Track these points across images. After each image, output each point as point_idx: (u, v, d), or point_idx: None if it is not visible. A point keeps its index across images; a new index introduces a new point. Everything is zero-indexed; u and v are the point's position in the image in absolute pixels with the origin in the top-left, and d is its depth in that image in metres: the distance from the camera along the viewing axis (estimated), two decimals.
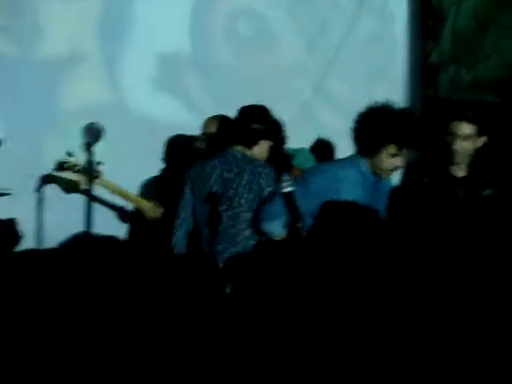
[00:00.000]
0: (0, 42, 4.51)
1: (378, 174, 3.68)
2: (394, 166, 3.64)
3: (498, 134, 5.15)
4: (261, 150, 3.92)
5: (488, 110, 5.28)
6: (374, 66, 5.46)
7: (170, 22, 4.76)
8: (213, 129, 4.19)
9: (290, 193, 2.94)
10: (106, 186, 3.96)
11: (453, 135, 3.80)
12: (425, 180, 3.84)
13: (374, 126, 3.64)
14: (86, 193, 3.54)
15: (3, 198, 4.19)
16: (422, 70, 5.59)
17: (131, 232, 4.44)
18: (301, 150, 4.63)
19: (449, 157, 3.81)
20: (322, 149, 5.03)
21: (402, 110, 3.70)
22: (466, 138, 3.78)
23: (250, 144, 3.89)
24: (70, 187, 3.96)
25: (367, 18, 5.43)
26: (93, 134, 2.80)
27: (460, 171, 3.88)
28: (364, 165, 3.67)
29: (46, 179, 4.11)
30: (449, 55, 5.53)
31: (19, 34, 4.53)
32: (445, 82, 5.57)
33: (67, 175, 3.95)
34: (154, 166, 4.75)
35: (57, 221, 4.16)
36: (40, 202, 3.96)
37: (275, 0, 5.17)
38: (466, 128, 3.79)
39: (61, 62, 4.55)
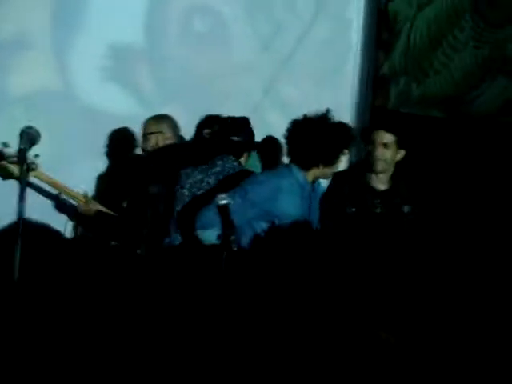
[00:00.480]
0: None
1: (313, 181, 3.74)
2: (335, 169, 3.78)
3: (442, 149, 5.30)
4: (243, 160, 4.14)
5: (433, 125, 5.43)
6: (325, 71, 5.50)
7: (125, 13, 4.72)
8: (152, 128, 4.26)
9: (225, 206, 2.97)
10: (41, 178, 3.94)
11: (373, 143, 3.90)
12: (345, 191, 3.92)
13: (332, 137, 3.68)
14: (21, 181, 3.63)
15: None
16: (373, 80, 5.65)
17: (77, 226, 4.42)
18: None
19: (370, 165, 3.89)
20: (269, 148, 5.07)
21: (338, 120, 3.77)
22: (386, 146, 3.87)
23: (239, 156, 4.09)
24: (6, 174, 3.91)
25: (323, 22, 5.46)
26: (29, 138, 2.75)
27: (380, 184, 3.95)
28: (300, 174, 3.72)
29: None
30: (400, 68, 5.62)
31: None
32: (395, 93, 5.65)
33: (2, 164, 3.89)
34: (98, 156, 4.72)
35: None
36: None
37: None
38: (385, 136, 3.89)
39: (9, 47, 4.48)
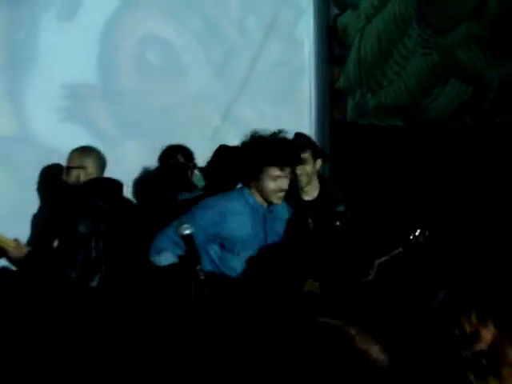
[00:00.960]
0: None
1: (269, 202, 3.75)
2: (278, 189, 3.72)
3: (404, 158, 5.37)
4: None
5: (394, 134, 5.50)
6: (281, 91, 5.57)
7: (77, 51, 4.72)
8: (76, 162, 4.12)
9: (189, 235, 2.99)
10: None
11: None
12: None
13: (248, 153, 3.71)
14: None
15: None
16: (330, 94, 5.73)
17: None
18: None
19: (295, 181, 4.08)
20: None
21: (274, 134, 3.76)
22: (303, 161, 4.05)
23: None
24: None
25: (274, 44, 5.53)
26: None
27: (307, 195, 4.21)
28: (250, 196, 3.74)
29: None
30: (354, 80, 5.70)
31: None
32: (351, 106, 5.72)
33: None
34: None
35: None
36: None
37: (182, 27, 5.20)
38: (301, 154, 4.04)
39: None
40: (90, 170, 4.10)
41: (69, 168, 4.15)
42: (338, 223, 4.11)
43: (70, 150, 4.33)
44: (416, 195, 5.19)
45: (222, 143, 5.32)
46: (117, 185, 4.16)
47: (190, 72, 5.22)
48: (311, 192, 4.22)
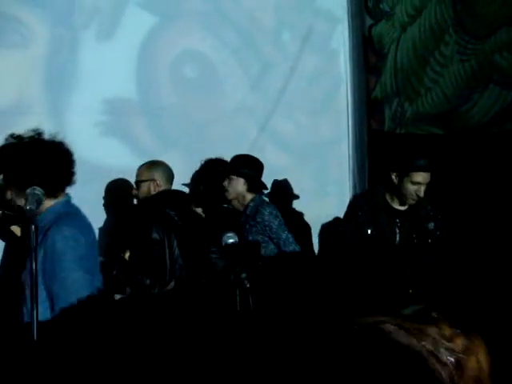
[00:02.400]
0: None
1: None
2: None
3: (444, 165, 5.32)
4: None
5: (433, 142, 5.46)
6: (318, 102, 5.57)
7: (116, 68, 4.80)
8: (145, 176, 4.28)
9: (233, 244, 2.99)
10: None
11: (411, 182, 4.08)
12: (359, 213, 4.04)
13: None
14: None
15: None
16: (367, 104, 5.71)
17: None
18: None
19: (398, 195, 4.08)
20: None
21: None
22: (424, 185, 4.07)
23: None
24: None
25: (310, 55, 5.54)
26: (35, 198, 2.77)
27: (398, 204, 4.16)
28: None
29: None
30: (391, 90, 5.68)
31: None
32: (389, 115, 5.70)
33: None
34: (104, 211, 4.77)
35: None
36: None
37: (219, 42, 5.25)
38: (426, 177, 4.08)
39: (7, 112, 4.56)
40: (159, 182, 4.27)
41: (138, 182, 4.31)
42: (429, 241, 4.08)
43: (110, 164, 4.43)
44: (457, 204, 5.13)
45: (260, 155, 5.36)
46: (184, 196, 4.34)
47: (226, 86, 5.26)
48: (403, 203, 4.17)
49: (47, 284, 2.88)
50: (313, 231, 5.40)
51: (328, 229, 5.36)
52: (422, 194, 4.06)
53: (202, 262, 4.17)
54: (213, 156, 4.86)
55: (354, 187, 5.67)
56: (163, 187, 4.29)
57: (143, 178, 4.29)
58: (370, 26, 5.64)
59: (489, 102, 5.24)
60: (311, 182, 5.54)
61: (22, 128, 4.55)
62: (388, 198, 4.17)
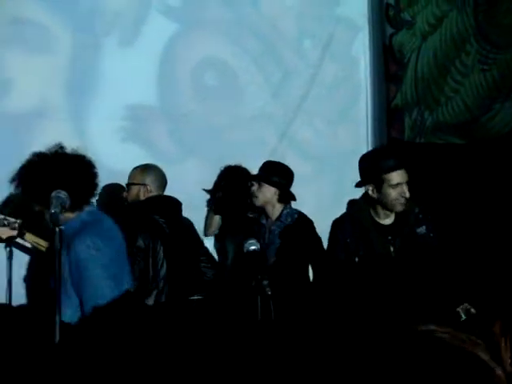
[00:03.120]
0: None
1: None
2: None
3: (464, 175, 5.30)
4: None
5: (453, 152, 5.44)
6: (338, 110, 5.57)
7: (137, 74, 4.83)
8: (136, 179, 4.18)
9: (255, 251, 2.99)
10: (29, 239, 3.93)
11: (391, 183, 3.74)
12: (348, 240, 3.83)
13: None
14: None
15: None
16: (386, 113, 5.71)
17: None
18: None
19: (381, 205, 3.75)
20: None
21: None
22: (407, 183, 3.76)
23: None
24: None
25: (330, 63, 5.55)
26: (60, 202, 2.81)
27: (387, 218, 3.82)
28: None
29: None
30: (411, 99, 5.67)
31: None
32: (409, 124, 5.69)
33: None
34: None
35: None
36: (9, 258, 3.96)
37: (240, 49, 5.27)
38: (405, 175, 3.78)
39: (29, 116, 4.60)
40: (150, 187, 4.15)
41: (129, 185, 4.22)
42: (423, 245, 3.72)
43: (130, 170, 4.42)
44: (478, 214, 5.10)
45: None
46: (175, 203, 4.21)
47: (247, 93, 5.27)
48: (390, 215, 3.81)
49: (76, 291, 2.97)
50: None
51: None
52: (407, 194, 3.67)
53: (190, 270, 4.11)
54: (232, 163, 4.86)
55: None
56: (154, 193, 4.15)
57: (134, 181, 4.17)
58: (391, 35, 5.65)
59: (510, 112, 5.22)
60: (329, 190, 5.53)
61: (44, 132, 4.65)
62: (373, 214, 3.80)
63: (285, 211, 4.25)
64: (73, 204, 2.97)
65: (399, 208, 3.73)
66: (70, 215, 3.04)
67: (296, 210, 4.34)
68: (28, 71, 4.63)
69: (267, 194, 4.25)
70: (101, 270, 2.99)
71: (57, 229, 2.62)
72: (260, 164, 4.94)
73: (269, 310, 2.89)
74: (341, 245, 3.86)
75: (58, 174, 3.04)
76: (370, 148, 5.65)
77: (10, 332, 2.79)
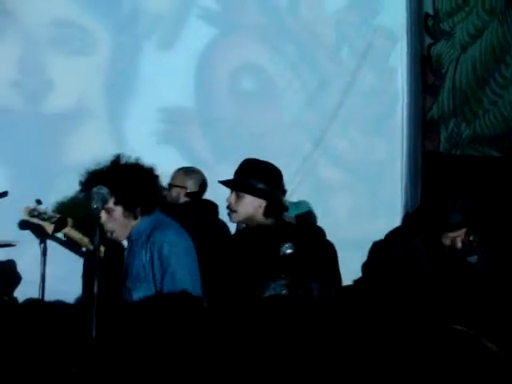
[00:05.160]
0: (11, 98, 4.64)
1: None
2: None
3: (500, 188, 5.23)
4: None
5: (489, 165, 5.38)
6: (373, 120, 5.54)
7: (175, 77, 4.87)
8: (178, 181, 4.25)
9: (291, 255, 2.98)
10: (69, 234, 3.99)
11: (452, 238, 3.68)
12: (410, 245, 3.78)
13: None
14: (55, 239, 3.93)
15: (9, 248, 4.25)
16: (422, 124, 5.67)
17: None
18: (301, 202, 4.66)
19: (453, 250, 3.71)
20: None
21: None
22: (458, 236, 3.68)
23: None
24: (40, 233, 4.02)
25: (368, 73, 5.53)
26: (101, 197, 2.87)
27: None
28: None
29: (22, 225, 4.16)
30: (448, 110, 5.62)
31: (30, 89, 4.66)
32: (445, 136, 5.64)
33: (36, 221, 3.98)
34: None
35: (59, 272, 4.22)
36: (43, 254, 4.00)
37: (277, 55, 5.28)
38: (460, 232, 3.68)
39: (68, 116, 4.66)
40: (190, 190, 4.25)
41: (170, 185, 4.29)
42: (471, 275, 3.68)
43: (165, 172, 4.45)
44: None
45: (313, 172, 5.35)
46: (212, 206, 4.24)
47: (283, 99, 5.28)
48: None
49: (157, 285, 3.09)
50: (361, 249, 5.33)
51: (376, 248, 5.29)
52: (458, 245, 3.62)
53: (215, 272, 4.10)
54: None
55: (406, 208, 5.61)
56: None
57: (176, 183, 4.27)
58: (429, 46, 5.61)
59: None
60: (362, 200, 5.50)
61: (82, 132, 4.71)
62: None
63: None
64: (143, 210, 3.12)
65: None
66: (140, 220, 3.16)
67: (290, 217, 3.68)
68: (68, 72, 4.70)
69: (249, 207, 3.30)
70: (181, 265, 3.10)
71: (97, 226, 2.67)
72: (292, 171, 4.95)
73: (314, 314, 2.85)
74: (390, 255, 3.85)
75: (138, 182, 3.17)
76: (404, 159, 5.61)
77: (42, 327, 2.82)
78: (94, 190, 2.89)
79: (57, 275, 4.10)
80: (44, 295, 3.93)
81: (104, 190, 2.90)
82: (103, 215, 3.04)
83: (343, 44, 5.45)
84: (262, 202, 3.28)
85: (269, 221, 3.29)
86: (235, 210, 3.31)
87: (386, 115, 5.63)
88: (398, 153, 5.64)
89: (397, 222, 5.53)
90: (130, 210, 3.11)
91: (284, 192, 4.61)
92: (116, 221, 3.09)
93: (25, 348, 2.68)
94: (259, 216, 3.28)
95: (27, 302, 4.15)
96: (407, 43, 5.62)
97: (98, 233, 2.70)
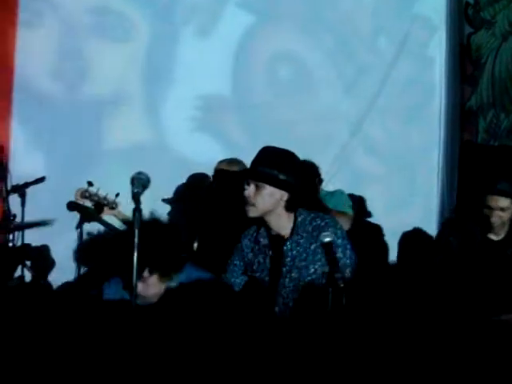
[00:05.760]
0: (49, 84, 4.71)
1: None
2: None
3: None
4: None
5: None
6: (410, 110, 5.49)
7: (212, 64, 4.90)
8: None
9: (329, 243, 2.92)
10: (119, 216, 4.01)
11: (490, 209, 3.93)
12: (451, 239, 3.94)
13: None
14: (102, 222, 3.91)
15: (45, 233, 4.32)
16: (460, 114, 5.60)
17: None
18: (337, 191, 4.66)
19: (487, 227, 3.95)
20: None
21: None
22: (504, 210, 3.92)
23: None
24: (88, 216, 4.04)
25: (405, 62, 5.47)
26: (141, 182, 2.87)
27: (494, 236, 4.02)
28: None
29: (70, 206, 4.19)
30: (487, 100, 5.55)
31: (68, 76, 4.72)
32: (483, 127, 5.57)
33: (87, 203, 4.01)
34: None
35: None
36: (80, 238, 4.05)
37: (315, 44, 5.26)
38: (502, 202, 3.93)
39: (106, 103, 4.72)
40: None
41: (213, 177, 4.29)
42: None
43: (200, 158, 4.50)
44: None
45: (349, 161, 5.33)
46: None
47: (320, 88, 5.26)
48: (499, 232, 4.03)
49: None
50: (396, 238, 5.31)
51: (410, 238, 5.26)
52: (494, 222, 3.92)
53: None
54: (301, 157, 4.84)
55: (442, 199, 5.56)
56: None
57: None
58: (469, 35, 5.53)
59: None
60: (398, 189, 5.47)
61: (119, 118, 4.76)
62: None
63: (299, 218, 3.07)
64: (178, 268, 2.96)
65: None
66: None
67: (315, 212, 3.19)
68: (106, 59, 4.75)
69: (270, 200, 3.03)
70: None
71: (136, 210, 2.67)
72: (328, 160, 4.93)
73: (340, 303, 2.82)
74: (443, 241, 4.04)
75: (174, 241, 2.98)
76: (441, 150, 5.56)
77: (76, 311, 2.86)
78: (134, 175, 2.89)
79: None
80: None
81: (144, 176, 2.91)
82: (139, 286, 2.72)
83: (380, 33, 5.41)
84: (284, 195, 3.02)
85: (290, 215, 3.07)
86: (253, 204, 3.02)
87: (423, 105, 5.57)
88: (435, 143, 5.58)
89: (432, 212, 5.50)
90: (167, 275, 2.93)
91: (320, 181, 4.65)
92: (155, 287, 2.91)
93: (59, 332, 2.72)
94: (280, 210, 3.03)
95: (62, 286, 4.22)
96: (446, 32, 5.54)
97: (138, 216, 2.71)
